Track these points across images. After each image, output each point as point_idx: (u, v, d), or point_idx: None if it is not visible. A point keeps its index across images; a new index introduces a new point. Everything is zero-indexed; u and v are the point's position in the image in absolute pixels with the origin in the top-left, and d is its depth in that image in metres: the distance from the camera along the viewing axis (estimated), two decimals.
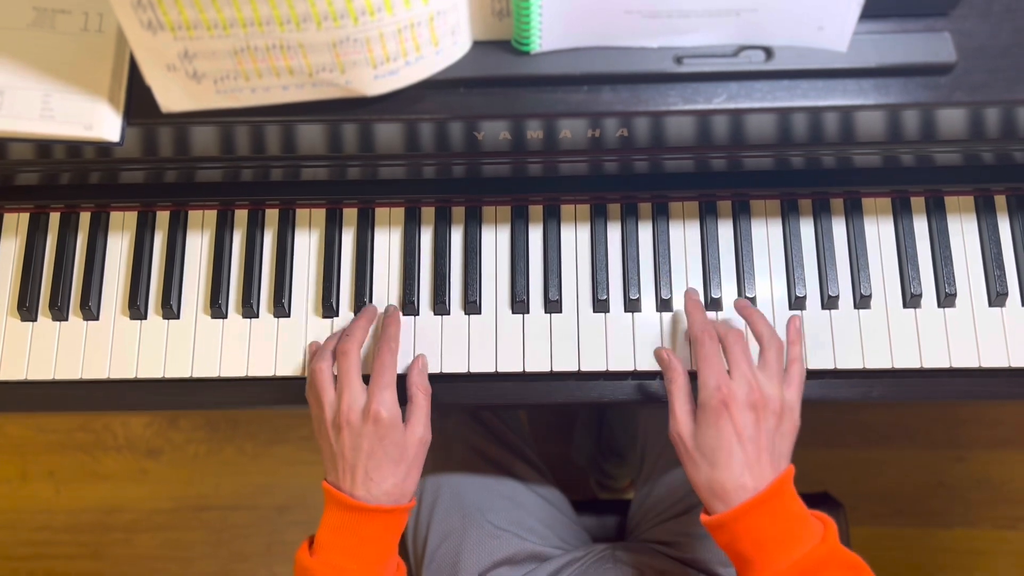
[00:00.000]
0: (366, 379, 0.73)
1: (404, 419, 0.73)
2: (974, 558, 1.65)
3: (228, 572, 1.72)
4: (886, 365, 0.79)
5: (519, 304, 0.81)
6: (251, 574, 1.72)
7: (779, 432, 0.69)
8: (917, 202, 0.83)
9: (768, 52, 0.66)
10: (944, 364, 0.79)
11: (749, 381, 0.68)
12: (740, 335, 0.71)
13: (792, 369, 0.72)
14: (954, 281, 0.80)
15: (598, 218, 0.83)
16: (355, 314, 0.82)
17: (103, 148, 0.69)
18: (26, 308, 0.82)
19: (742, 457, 0.66)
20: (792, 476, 0.68)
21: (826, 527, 0.67)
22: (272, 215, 0.85)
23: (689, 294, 0.78)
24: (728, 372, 0.69)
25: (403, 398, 0.75)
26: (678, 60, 0.66)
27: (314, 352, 0.78)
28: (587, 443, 1.61)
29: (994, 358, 0.79)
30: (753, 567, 0.66)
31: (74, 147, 0.71)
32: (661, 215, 0.83)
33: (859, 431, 1.70)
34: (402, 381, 0.76)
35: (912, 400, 0.81)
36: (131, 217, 0.85)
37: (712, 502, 0.67)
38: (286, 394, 0.82)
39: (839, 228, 0.83)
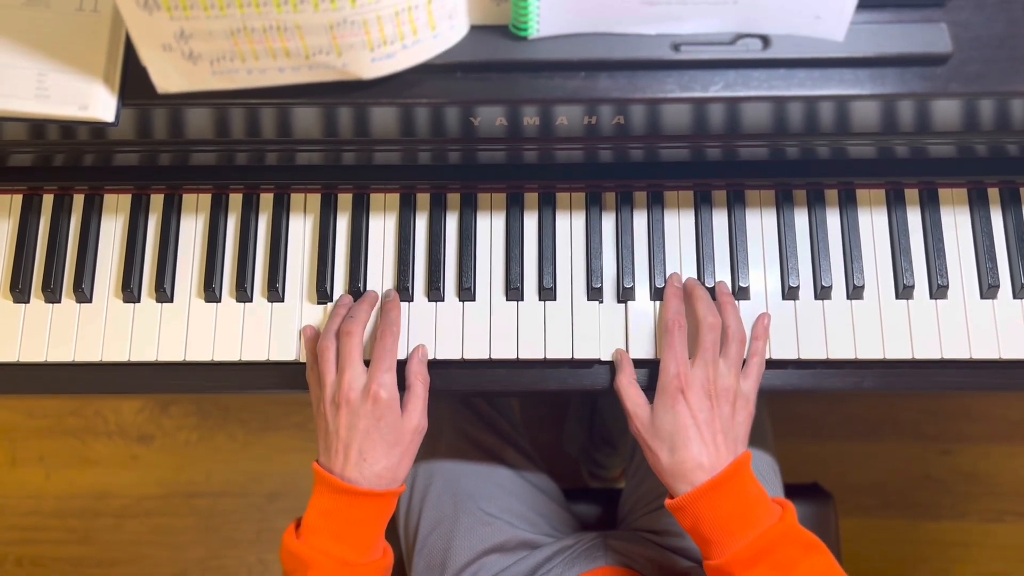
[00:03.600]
0: (366, 364, 0.74)
1: (401, 406, 0.73)
2: (961, 550, 1.67)
3: (218, 558, 1.72)
4: (878, 356, 0.80)
5: (513, 291, 0.81)
6: (241, 561, 1.72)
7: (734, 419, 0.72)
8: (911, 194, 0.83)
9: (765, 40, 0.66)
10: (935, 355, 0.79)
11: (708, 371, 0.72)
12: (715, 326, 0.74)
13: (751, 362, 0.76)
14: (946, 273, 0.81)
15: (593, 206, 0.83)
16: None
17: (98, 129, 0.69)
18: (19, 290, 0.82)
19: (698, 439, 0.70)
20: (749, 461, 0.71)
21: (784, 509, 0.70)
22: (267, 199, 0.85)
23: (671, 280, 0.80)
24: (692, 359, 0.73)
25: (401, 386, 0.75)
26: (675, 47, 0.66)
27: (310, 335, 0.79)
28: (579, 432, 1.62)
29: (985, 350, 0.79)
30: (713, 546, 0.69)
31: (68, 128, 0.70)
32: (656, 204, 0.83)
33: (848, 424, 1.71)
34: (400, 369, 0.76)
35: (903, 391, 0.82)
36: (125, 200, 0.85)
37: (674, 484, 0.70)
38: (279, 379, 0.82)
39: (833, 219, 0.83)
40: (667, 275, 0.81)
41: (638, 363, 0.80)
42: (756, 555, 0.67)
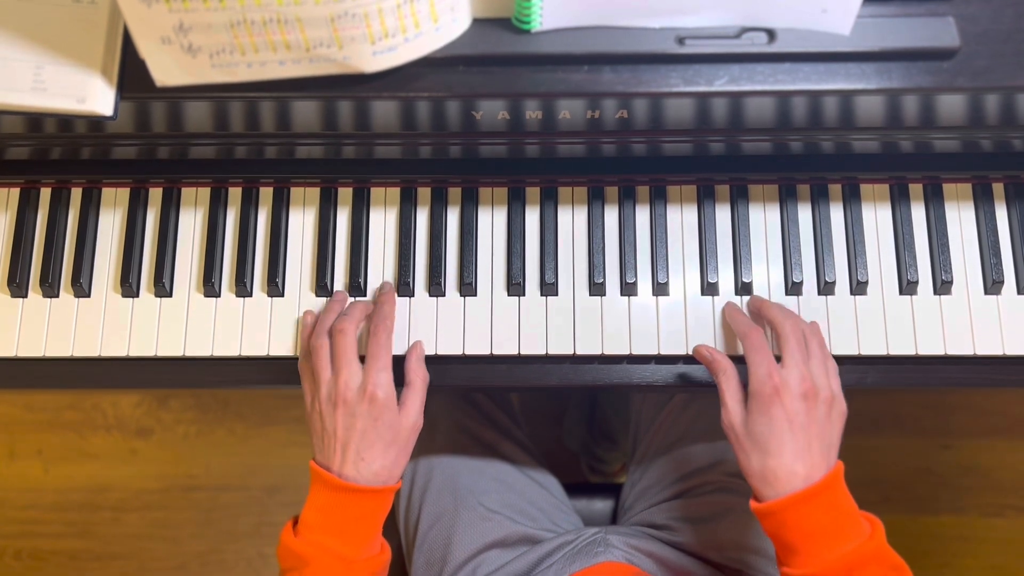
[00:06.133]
0: (361, 359, 0.73)
1: (399, 402, 0.73)
2: (961, 544, 1.67)
3: (217, 552, 1.72)
4: (881, 351, 0.79)
5: (515, 287, 0.81)
6: (240, 554, 1.72)
7: (829, 421, 0.69)
8: (915, 189, 0.83)
9: (771, 34, 0.66)
10: (939, 351, 0.79)
11: (801, 370, 0.69)
12: (797, 326, 0.72)
13: (828, 363, 0.73)
14: (951, 268, 0.80)
15: (595, 201, 0.82)
16: (350, 294, 0.82)
17: (96, 122, 0.68)
18: (16, 284, 0.81)
19: (792, 445, 0.67)
20: (843, 472, 0.68)
21: (873, 527, 0.68)
22: (267, 193, 0.84)
23: (728, 306, 0.79)
24: (780, 360, 0.69)
25: (399, 381, 0.74)
26: (680, 41, 0.65)
27: (309, 322, 0.78)
28: (579, 427, 1.61)
29: (988, 346, 0.79)
30: (798, 556, 0.66)
31: (66, 121, 0.70)
32: (659, 199, 0.83)
33: (849, 418, 1.69)
34: (398, 364, 0.76)
35: (906, 386, 0.81)
36: (123, 193, 0.84)
37: (762, 488, 0.67)
38: (279, 374, 0.81)
39: (837, 214, 0.82)
40: (668, 271, 0.81)
41: (642, 359, 0.80)
42: (842, 572, 0.65)
